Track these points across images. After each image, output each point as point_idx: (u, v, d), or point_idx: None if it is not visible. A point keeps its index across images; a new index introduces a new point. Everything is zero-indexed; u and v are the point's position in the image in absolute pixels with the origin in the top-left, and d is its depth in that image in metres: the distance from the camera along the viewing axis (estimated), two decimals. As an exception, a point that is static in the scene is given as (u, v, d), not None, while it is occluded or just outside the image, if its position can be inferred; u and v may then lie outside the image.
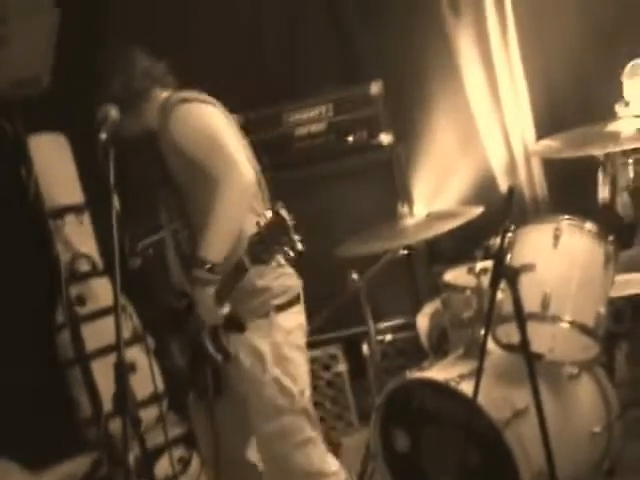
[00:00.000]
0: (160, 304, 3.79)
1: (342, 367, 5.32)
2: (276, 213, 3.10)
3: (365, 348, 5.12)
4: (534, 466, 3.59)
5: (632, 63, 4.50)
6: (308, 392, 3.63)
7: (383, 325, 5.23)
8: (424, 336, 4.92)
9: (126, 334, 4.44)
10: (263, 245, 3.13)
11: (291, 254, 3.14)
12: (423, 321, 4.96)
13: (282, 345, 3.55)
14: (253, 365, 3.51)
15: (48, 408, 5.02)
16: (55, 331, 4.96)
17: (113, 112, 3.30)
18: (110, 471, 4.42)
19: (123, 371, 2.60)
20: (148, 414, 4.48)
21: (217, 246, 3.36)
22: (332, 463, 3.69)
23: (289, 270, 3.66)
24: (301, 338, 3.66)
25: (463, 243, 4.50)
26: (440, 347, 4.75)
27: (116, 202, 3.00)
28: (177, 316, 3.55)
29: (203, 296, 3.37)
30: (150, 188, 3.75)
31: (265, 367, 3.51)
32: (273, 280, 3.57)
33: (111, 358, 4.62)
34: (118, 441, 4.42)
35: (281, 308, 3.58)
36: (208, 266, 3.33)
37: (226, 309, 3.38)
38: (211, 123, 3.48)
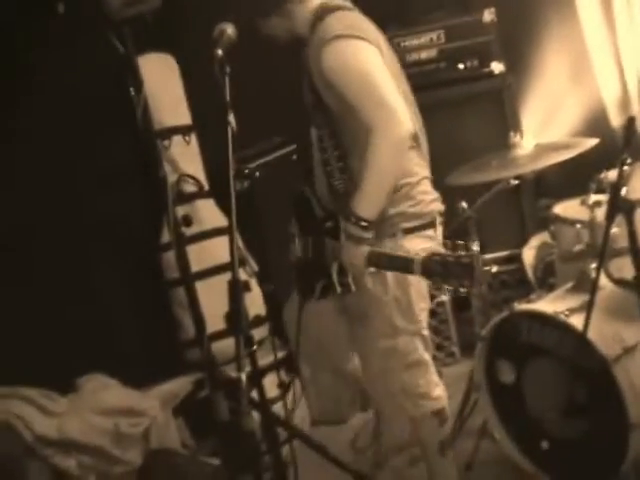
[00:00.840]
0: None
1: (445, 297, 5.31)
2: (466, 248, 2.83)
3: (470, 279, 5.09)
4: (643, 404, 3.53)
5: None
6: (425, 316, 3.59)
7: (488, 256, 5.18)
8: (530, 269, 4.88)
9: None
10: (439, 267, 2.84)
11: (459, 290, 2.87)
12: (529, 254, 4.92)
13: None
14: (375, 285, 3.45)
15: (151, 329, 5.09)
16: (160, 251, 5.01)
17: (229, 29, 3.21)
18: (211, 392, 4.45)
19: (238, 289, 2.58)
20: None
21: (370, 202, 3.23)
22: (437, 389, 3.66)
23: (430, 196, 3.53)
24: None
25: (570, 176, 4.42)
26: (545, 281, 4.71)
27: (232, 119, 2.95)
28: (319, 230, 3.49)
29: (355, 253, 3.23)
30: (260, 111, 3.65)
31: (386, 288, 3.45)
32: (408, 207, 3.45)
33: (213, 280, 4.75)
34: (220, 362, 4.47)
35: (409, 231, 3.43)
36: (363, 224, 3.21)
37: (370, 270, 3.26)
38: (368, 64, 3.25)
